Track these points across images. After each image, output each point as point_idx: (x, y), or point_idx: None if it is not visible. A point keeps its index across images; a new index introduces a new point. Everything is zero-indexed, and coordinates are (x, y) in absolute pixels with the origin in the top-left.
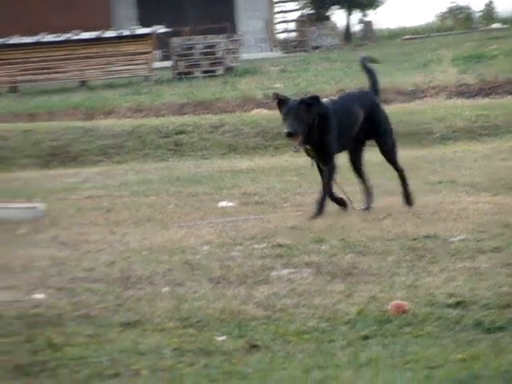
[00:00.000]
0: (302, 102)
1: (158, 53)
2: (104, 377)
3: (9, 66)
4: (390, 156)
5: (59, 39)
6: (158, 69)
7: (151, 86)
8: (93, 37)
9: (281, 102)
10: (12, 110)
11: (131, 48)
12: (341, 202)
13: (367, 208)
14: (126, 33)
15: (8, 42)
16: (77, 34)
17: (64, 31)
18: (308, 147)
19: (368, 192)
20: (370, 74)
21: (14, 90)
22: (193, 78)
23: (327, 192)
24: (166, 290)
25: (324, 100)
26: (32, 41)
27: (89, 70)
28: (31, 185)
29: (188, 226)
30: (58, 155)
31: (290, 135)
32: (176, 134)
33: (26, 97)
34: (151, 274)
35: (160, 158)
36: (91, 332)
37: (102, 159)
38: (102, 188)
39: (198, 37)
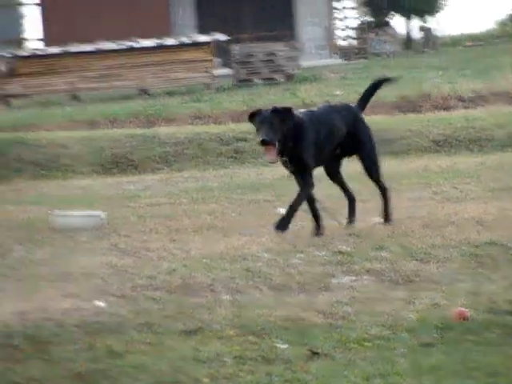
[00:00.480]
0: (275, 111)
1: (217, 60)
2: None
3: (69, 74)
4: (371, 172)
5: (119, 47)
6: (217, 76)
7: (212, 93)
8: (153, 45)
9: (253, 114)
10: (72, 117)
11: (191, 56)
12: (317, 220)
13: (351, 222)
14: (186, 41)
15: (68, 51)
16: (137, 42)
17: (123, 39)
18: (285, 159)
19: (350, 204)
20: (371, 90)
21: (74, 97)
22: (253, 85)
23: (298, 205)
24: (226, 297)
25: (302, 111)
26: (92, 49)
27: (149, 77)
28: (92, 192)
29: (249, 234)
30: (119, 163)
31: (264, 143)
32: (236, 141)
33: (86, 105)
34: (212, 282)
35: (220, 165)
36: (152, 340)
37: (163, 167)
38: (163, 195)
39: (257, 44)
